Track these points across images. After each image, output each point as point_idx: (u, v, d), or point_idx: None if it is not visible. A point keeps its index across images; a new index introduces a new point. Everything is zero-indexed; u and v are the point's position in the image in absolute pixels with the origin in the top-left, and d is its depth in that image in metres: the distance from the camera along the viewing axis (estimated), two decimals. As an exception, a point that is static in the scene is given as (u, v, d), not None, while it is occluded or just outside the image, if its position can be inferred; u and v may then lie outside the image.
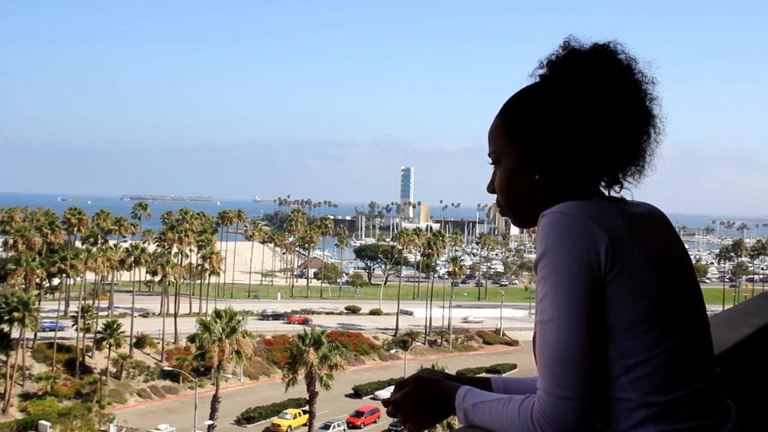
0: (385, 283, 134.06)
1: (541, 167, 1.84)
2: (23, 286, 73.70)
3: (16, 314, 63.81)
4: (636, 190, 1.89)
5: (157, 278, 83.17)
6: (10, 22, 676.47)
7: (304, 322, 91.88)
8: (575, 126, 1.79)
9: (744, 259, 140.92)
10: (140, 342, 77.53)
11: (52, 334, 70.63)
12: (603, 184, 1.87)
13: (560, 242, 1.66)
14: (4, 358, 64.65)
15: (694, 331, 1.76)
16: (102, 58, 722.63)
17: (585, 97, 1.79)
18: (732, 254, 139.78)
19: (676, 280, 1.75)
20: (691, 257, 1.92)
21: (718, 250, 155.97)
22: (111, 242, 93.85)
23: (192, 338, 61.36)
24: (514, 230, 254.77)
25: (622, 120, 1.80)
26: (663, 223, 1.85)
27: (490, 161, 1.94)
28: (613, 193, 1.88)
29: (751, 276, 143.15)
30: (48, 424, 57.14)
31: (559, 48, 1.88)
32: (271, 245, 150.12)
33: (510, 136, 1.88)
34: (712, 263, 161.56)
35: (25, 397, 65.01)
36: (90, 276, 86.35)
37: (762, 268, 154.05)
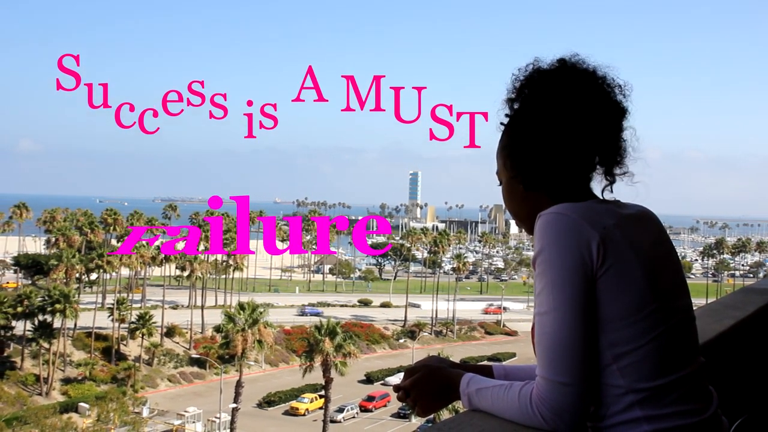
0: (394, 278, 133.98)
1: (531, 177, 1.88)
2: (64, 280, 74.07)
3: (57, 306, 64.19)
4: (627, 193, 1.92)
5: (186, 273, 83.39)
6: (54, 39, 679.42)
7: (498, 312, 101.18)
8: (555, 136, 1.82)
9: (726, 256, 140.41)
10: (170, 332, 77.81)
11: (90, 323, 70.89)
12: (599, 184, 1.90)
13: (555, 240, 1.68)
14: (47, 345, 64.93)
15: (680, 323, 1.77)
16: (136, 71, 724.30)
17: (558, 109, 1.82)
18: (715, 252, 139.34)
19: (662, 275, 1.76)
20: (678, 254, 1.92)
21: (701, 248, 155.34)
22: (144, 240, 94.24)
23: (218, 328, 61.46)
24: (514, 229, 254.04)
25: (594, 124, 1.83)
26: (652, 223, 1.86)
27: (498, 182, 2.01)
28: (607, 196, 1.91)
29: (733, 272, 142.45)
30: (87, 406, 57.44)
31: (525, 70, 1.91)
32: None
33: (504, 155, 1.94)
34: (696, 260, 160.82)
35: (66, 381, 65.39)
36: (125, 271, 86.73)
37: (742, 265, 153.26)
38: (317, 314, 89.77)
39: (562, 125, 1.80)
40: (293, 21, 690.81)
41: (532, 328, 1.75)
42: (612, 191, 1.90)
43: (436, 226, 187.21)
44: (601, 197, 1.89)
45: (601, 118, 1.83)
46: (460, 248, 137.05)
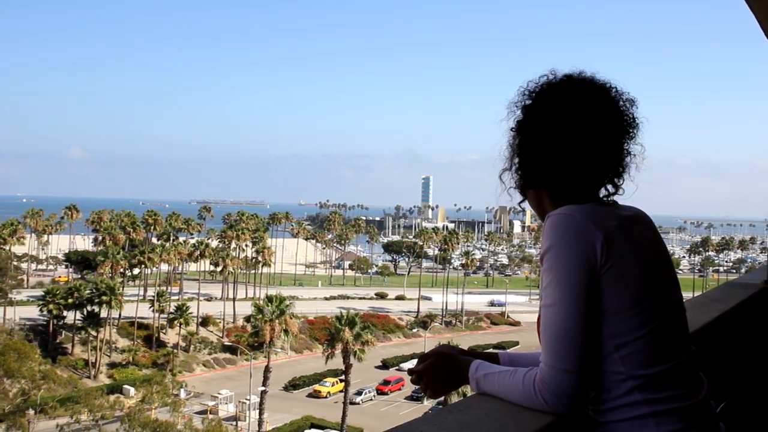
0: (408, 273, 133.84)
1: (534, 177, 1.89)
2: (110, 275, 74.49)
3: (104, 298, 64.59)
4: (622, 196, 1.91)
5: (219, 269, 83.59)
6: (103, 58, 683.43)
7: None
8: (565, 141, 1.81)
9: (711, 253, 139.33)
10: (205, 321, 78.07)
11: (133, 314, 71.34)
12: (601, 189, 1.89)
13: (562, 239, 1.69)
14: (94, 333, 65.39)
15: (673, 315, 1.79)
16: (174, 86, 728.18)
17: (570, 117, 1.81)
18: (701, 249, 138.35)
19: (657, 272, 1.78)
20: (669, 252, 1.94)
21: (689, 246, 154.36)
22: (181, 239, 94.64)
23: (248, 319, 61.64)
24: (517, 229, 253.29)
25: (603, 135, 1.82)
26: (647, 223, 1.88)
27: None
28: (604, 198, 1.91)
29: (717, 268, 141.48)
30: (131, 388, 57.72)
31: (539, 80, 1.90)
32: (313, 241, 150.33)
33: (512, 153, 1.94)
34: (684, 257, 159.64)
35: (112, 365, 65.77)
36: (164, 266, 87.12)
37: (726, 261, 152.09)
38: (502, 304, 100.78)
39: (573, 132, 1.80)
40: (315, 35, 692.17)
41: (538, 319, 1.76)
42: (610, 199, 1.89)
43: (446, 226, 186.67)
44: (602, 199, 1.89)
45: (610, 130, 1.83)
46: (468, 246, 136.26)
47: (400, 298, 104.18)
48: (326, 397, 62.09)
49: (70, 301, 64.86)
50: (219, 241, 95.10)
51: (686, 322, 1.85)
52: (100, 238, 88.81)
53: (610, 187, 1.89)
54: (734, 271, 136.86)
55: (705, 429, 1.74)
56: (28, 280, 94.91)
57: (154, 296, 73.75)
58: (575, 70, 1.87)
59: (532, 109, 1.88)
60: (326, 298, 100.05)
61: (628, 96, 1.87)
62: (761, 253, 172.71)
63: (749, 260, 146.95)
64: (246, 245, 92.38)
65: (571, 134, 1.79)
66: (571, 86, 1.84)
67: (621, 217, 1.78)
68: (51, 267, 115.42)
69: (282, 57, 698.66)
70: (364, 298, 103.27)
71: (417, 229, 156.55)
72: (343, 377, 56.72)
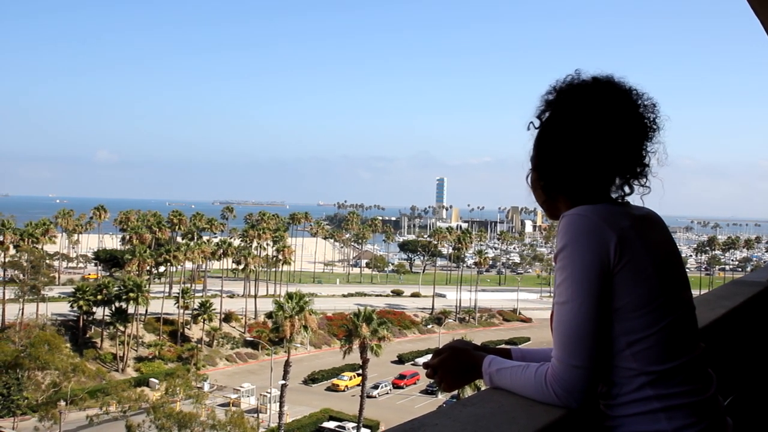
0: (423, 271, 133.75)
1: (553, 181, 1.87)
2: (137, 272, 74.95)
3: (131, 294, 65.07)
4: (632, 196, 1.89)
5: (241, 267, 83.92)
6: (131, 66, 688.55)
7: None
8: (583, 146, 1.79)
9: (717, 252, 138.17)
10: (228, 317, 78.39)
11: (158, 310, 71.71)
12: (615, 190, 1.87)
13: (577, 239, 1.69)
14: (122, 328, 65.86)
15: (684, 312, 1.78)
16: (199, 93, 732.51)
17: (589, 121, 1.79)
18: (707, 248, 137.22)
19: (669, 270, 1.77)
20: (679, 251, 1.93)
21: (695, 245, 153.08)
22: (205, 238, 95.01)
23: (269, 315, 61.81)
24: (528, 228, 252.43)
25: (622, 139, 1.80)
26: (659, 223, 1.87)
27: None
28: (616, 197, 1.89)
29: (723, 266, 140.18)
30: (156, 381, 58.08)
31: (564, 80, 1.87)
32: (332, 240, 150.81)
33: (534, 154, 1.92)
34: (690, 256, 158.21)
35: (139, 359, 66.23)
36: (188, 265, 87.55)
37: (732, 260, 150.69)
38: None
39: (592, 137, 1.78)
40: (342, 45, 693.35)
41: (551, 315, 1.77)
42: (623, 200, 1.88)
43: (460, 226, 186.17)
44: (615, 199, 1.88)
45: (628, 133, 1.81)
46: (481, 245, 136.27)
47: (415, 295, 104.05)
48: (344, 390, 62.16)
49: (99, 297, 65.42)
50: (241, 240, 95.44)
51: (696, 319, 1.85)
52: (128, 237, 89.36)
53: (625, 188, 1.87)
54: (740, 269, 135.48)
55: (715, 424, 1.74)
56: (59, 277, 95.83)
57: (179, 293, 74.19)
58: (600, 73, 1.85)
59: (551, 110, 1.88)
60: (344, 295, 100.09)
61: (650, 100, 1.86)
62: (766, 252, 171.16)
63: (755, 259, 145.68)
64: (267, 244, 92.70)
65: (588, 136, 1.78)
66: (592, 89, 1.83)
67: (634, 217, 1.78)
68: (81, 265, 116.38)
69: (303, 64, 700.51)
70: (380, 296, 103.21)
71: (432, 229, 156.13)
72: (360, 371, 56.72)
